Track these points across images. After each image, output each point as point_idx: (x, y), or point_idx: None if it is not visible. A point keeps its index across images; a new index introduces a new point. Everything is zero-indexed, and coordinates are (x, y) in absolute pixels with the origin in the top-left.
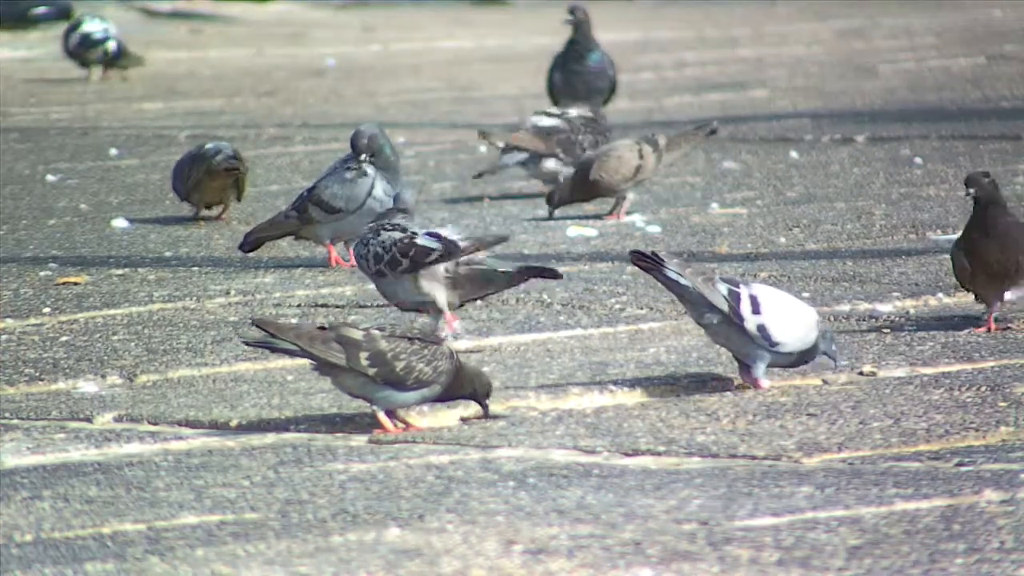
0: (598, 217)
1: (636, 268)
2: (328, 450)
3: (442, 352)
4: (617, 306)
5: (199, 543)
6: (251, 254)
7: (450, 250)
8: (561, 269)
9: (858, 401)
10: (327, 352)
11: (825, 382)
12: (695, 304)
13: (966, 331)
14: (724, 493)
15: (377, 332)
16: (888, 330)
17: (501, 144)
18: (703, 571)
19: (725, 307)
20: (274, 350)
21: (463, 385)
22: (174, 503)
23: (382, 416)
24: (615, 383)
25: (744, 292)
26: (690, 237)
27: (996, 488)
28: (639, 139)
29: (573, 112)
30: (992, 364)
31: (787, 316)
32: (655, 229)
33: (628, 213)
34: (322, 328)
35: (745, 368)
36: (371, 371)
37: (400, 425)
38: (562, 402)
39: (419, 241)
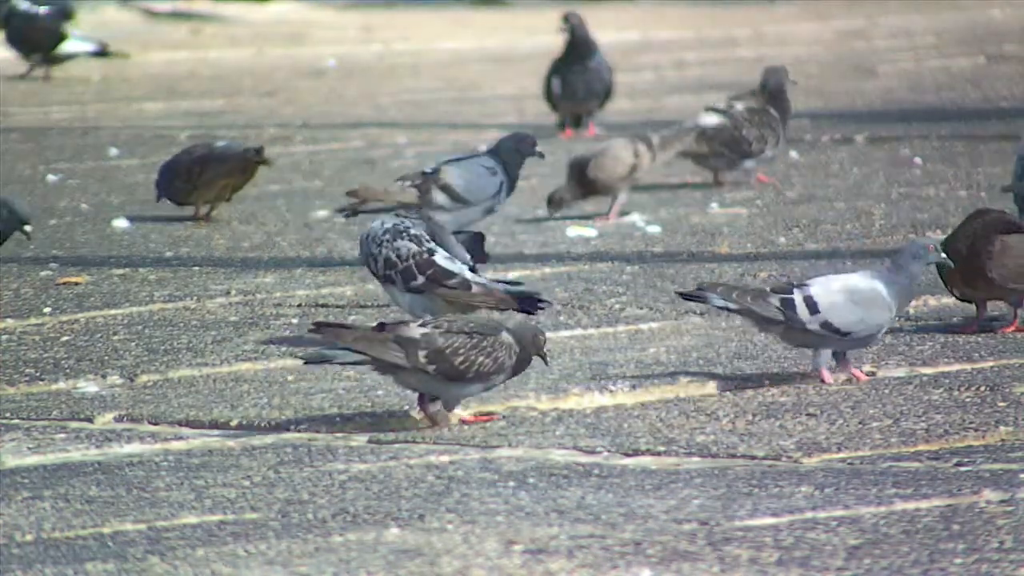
0: (598, 216)
1: (636, 268)
2: (328, 450)
3: (501, 342)
4: (617, 306)
5: (199, 543)
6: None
7: (467, 285)
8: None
9: (858, 401)
10: (386, 353)
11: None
12: (756, 320)
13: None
14: (724, 493)
15: (434, 329)
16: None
17: (671, 153)
18: (703, 571)
19: (781, 317)
20: (332, 362)
21: (527, 359)
22: (174, 503)
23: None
24: (615, 383)
25: (798, 296)
26: (690, 237)
27: (995, 488)
28: (633, 138)
29: (740, 106)
30: (991, 364)
31: (852, 304)
32: (655, 229)
33: (625, 213)
34: (379, 327)
35: (814, 360)
36: (431, 368)
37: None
38: (562, 402)
39: (439, 262)
